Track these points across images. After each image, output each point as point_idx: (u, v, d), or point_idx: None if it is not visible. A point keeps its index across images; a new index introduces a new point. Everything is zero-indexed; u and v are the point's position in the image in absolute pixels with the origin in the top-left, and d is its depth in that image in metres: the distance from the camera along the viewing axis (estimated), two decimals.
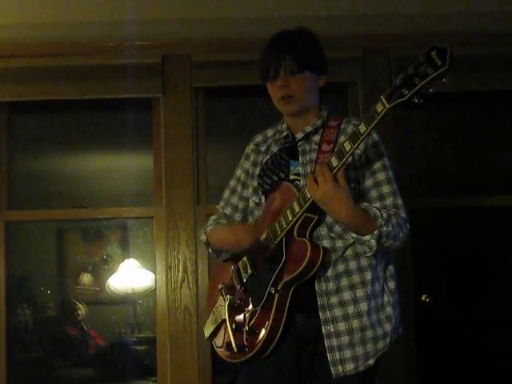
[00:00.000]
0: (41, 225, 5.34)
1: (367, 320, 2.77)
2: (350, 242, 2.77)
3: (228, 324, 2.85)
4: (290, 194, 2.78)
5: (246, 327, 2.78)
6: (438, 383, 4.78)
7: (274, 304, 2.71)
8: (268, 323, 2.71)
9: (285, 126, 3.00)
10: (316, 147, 2.87)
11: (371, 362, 2.77)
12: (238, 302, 2.88)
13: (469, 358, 4.81)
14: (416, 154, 4.88)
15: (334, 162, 2.63)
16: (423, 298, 5.05)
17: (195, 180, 4.61)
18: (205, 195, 4.64)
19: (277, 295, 2.71)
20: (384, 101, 2.49)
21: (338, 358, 2.74)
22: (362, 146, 2.80)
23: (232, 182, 3.18)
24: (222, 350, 2.94)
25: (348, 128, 2.88)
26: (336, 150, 2.67)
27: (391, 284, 2.88)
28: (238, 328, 2.81)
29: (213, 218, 3.18)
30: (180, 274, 4.52)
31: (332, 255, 2.76)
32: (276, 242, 2.78)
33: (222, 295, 2.95)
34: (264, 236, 2.85)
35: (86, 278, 5.69)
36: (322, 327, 2.75)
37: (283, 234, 2.75)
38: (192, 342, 4.46)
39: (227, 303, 2.88)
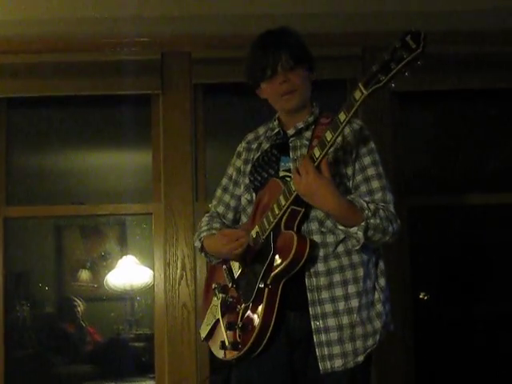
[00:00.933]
0: (39, 221, 5.35)
1: (357, 317, 2.77)
2: (341, 238, 2.77)
3: (221, 322, 2.87)
4: (277, 190, 2.78)
5: (239, 324, 2.78)
6: (436, 381, 4.78)
7: (264, 299, 2.72)
8: (259, 319, 2.72)
9: (276, 123, 3.00)
10: (307, 143, 2.87)
11: (360, 358, 2.77)
12: (231, 300, 2.90)
13: (467, 357, 4.81)
14: (414, 152, 4.87)
15: (317, 152, 2.64)
16: (421, 296, 5.04)
17: (194, 177, 4.61)
18: (203, 192, 4.64)
19: (266, 290, 2.72)
20: (362, 87, 2.50)
21: (326, 353, 2.74)
22: (352, 142, 2.83)
23: (224, 181, 3.18)
24: (216, 349, 2.94)
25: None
26: (317, 141, 2.68)
27: (382, 281, 2.88)
28: (230, 326, 2.82)
29: (205, 219, 3.18)
30: (178, 270, 4.52)
31: (323, 250, 2.76)
32: (264, 237, 2.79)
33: (215, 295, 2.96)
34: (254, 232, 2.86)
35: (84, 275, 5.70)
36: (312, 322, 2.74)
37: (271, 228, 2.76)
38: (190, 338, 4.46)
39: (220, 302, 2.90)
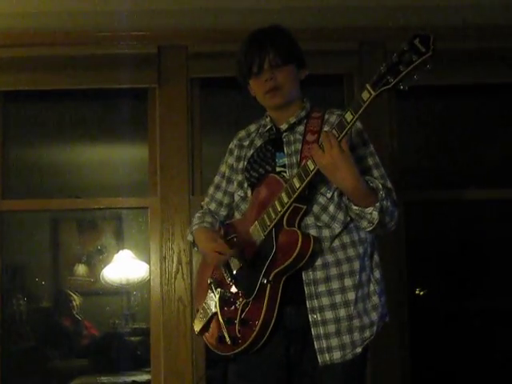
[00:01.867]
0: (35, 215, 5.35)
1: (354, 309, 2.80)
2: (336, 232, 2.80)
3: (220, 317, 2.88)
4: (278, 186, 2.81)
5: (238, 319, 2.80)
6: (432, 377, 4.79)
7: (267, 295, 2.74)
8: (261, 314, 2.74)
9: (268, 119, 3.03)
10: (300, 137, 2.90)
11: (358, 350, 2.80)
12: (229, 295, 2.91)
13: (463, 352, 4.82)
14: (411, 147, 4.87)
15: (336, 134, 2.64)
16: (417, 292, 5.05)
17: (190, 171, 4.60)
18: (200, 186, 4.63)
19: (269, 286, 2.74)
20: (369, 88, 2.53)
21: (324, 346, 2.77)
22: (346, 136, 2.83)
23: (216, 179, 3.21)
24: (214, 343, 2.96)
25: (331, 118, 2.91)
26: (336, 123, 2.67)
27: (377, 273, 2.91)
28: (229, 321, 2.84)
29: (197, 215, 3.20)
30: (174, 264, 4.52)
31: (319, 245, 2.78)
32: (266, 233, 2.80)
33: (211, 289, 2.97)
34: (253, 228, 2.87)
35: (80, 269, 5.71)
36: (309, 316, 2.78)
37: (273, 224, 2.78)
38: (186, 333, 4.46)
39: (218, 296, 2.91)
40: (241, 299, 2.85)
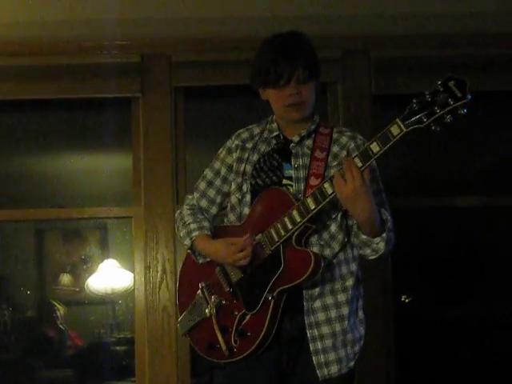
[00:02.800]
0: (19, 224, 5.31)
1: (348, 324, 2.84)
2: (335, 252, 2.83)
3: (214, 324, 2.87)
4: (286, 202, 2.79)
5: (235, 329, 2.81)
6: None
7: (270, 310, 2.75)
8: (263, 329, 2.75)
9: (275, 125, 2.99)
10: (308, 152, 2.90)
11: (352, 364, 2.85)
12: (225, 303, 2.90)
13: (449, 359, 4.82)
14: (393, 155, 4.87)
15: (358, 163, 2.64)
16: (403, 299, 5.05)
17: (174, 180, 4.59)
18: (184, 195, 4.60)
19: (272, 301, 2.75)
20: (400, 124, 2.55)
21: (323, 360, 2.80)
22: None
23: (209, 175, 3.13)
24: (203, 348, 2.95)
25: (341, 139, 2.94)
26: (360, 154, 2.66)
27: (360, 288, 2.95)
28: (225, 329, 2.85)
29: (187, 212, 3.12)
30: (159, 274, 4.51)
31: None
32: (273, 249, 2.79)
33: (203, 294, 2.96)
34: (257, 241, 2.85)
35: (65, 278, 5.67)
36: (307, 331, 2.80)
37: (281, 241, 2.77)
38: (170, 342, 4.45)
39: (214, 303, 2.90)
40: (239, 309, 2.84)
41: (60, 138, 5.01)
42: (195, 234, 3.02)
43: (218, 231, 3.02)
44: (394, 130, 2.55)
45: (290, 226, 2.74)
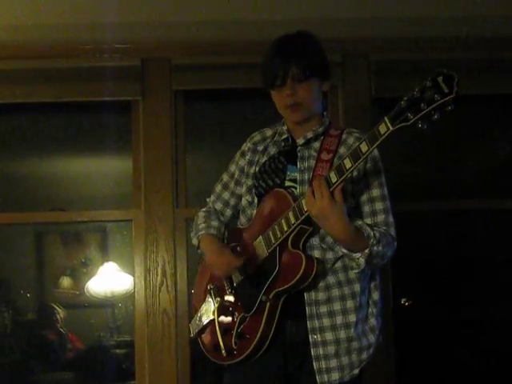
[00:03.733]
0: (20, 228, 5.32)
1: (354, 331, 2.79)
2: (339, 255, 2.78)
3: (217, 326, 2.89)
4: (285, 203, 2.78)
5: (235, 331, 2.82)
6: None
7: (266, 312, 2.75)
8: (259, 330, 2.74)
9: (285, 128, 2.98)
10: (315, 154, 2.87)
11: (356, 371, 2.80)
12: (227, 304, 2.91)
13: (448, 362, 4.82)
14: (393, 158, 4.88)
15: (333, 177, 2.61)
16: (402, 302, 5.05)
17: (174, 183, 4.58)
18: (184, 199, 4.62)
19: (268, 304, 2.75)
20: (388, 123, 2.48)
21: (324, 366, 2.76)
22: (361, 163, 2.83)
23: (225, 177, 3.17)
24: (209, 349, 2.96)
25: (349, 139, 2.89)
26: (335, 165, 2.64)
27: (375, 295, 2.90)
28: (226, 331, 2.86)
29: (202, 214, 3.15)
30: (159, 277, 4.51)
31: (323, 266, 2.77)
32: (270, 251, 2.79)
33: (210, 296, 2.97)
34: (257, 243, 2.86)
35: (65, 282, 5.69)
36: (309, 336, 2.77)
37: (277, 243, 2.76)
38: (170, 345, 4.45)
39: (217, 305, 2.92)
40: (240, 311, 2.85)
41: (60, 141, 5.02)
42: (201, 232, 3.05)
43: (231, 233, 3.07)
44: (382, 128, 2.49)
45: (285, 228, 2.73)
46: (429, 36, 4.59)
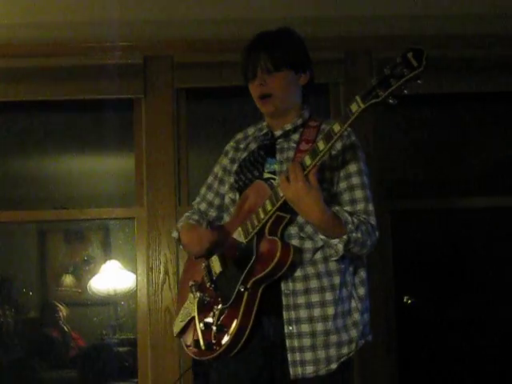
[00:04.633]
0: (22, 226, 5.33)
1: (332, 324, 2.75)
2: (319, 245, 2.76)
3: (197, 322, 2.84)
4: (263, 193, 2.77)
5: (215, 325, 2.77)
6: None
7: (243, 302, 2.71)
8: (237, 321, 2.70)
9: (265, 123, 3.00)
10: (294, 145, 2.86)
11: (333, 366, 2.75)
12: (208, 299, 2.87)
13: (451, 361, 4.82)
14: (397, 155, 4.88)
15: (307, 160, 2.60)
16: (405, 300, 5.05)
17: (176, 181, 4.59)
18: (186, 196, 4.62)
19: (246, 293, 2.71)
20: (359, 100, 2.48)
21: (298, 359, 2.73)
22: (339, 147, 2.82)
23: (209, 179, 3.17)
24: (190, 347, 2.91)
25: (327, 128, 2.80)
26: (310, 148, 2.65)
27: (361, 290, 2.87)
28: (206, 326, 2.80)
29: (186, 214, 3.16)
30: (161, 275, 4.51)
31: (300, 256, 2.75)
32: (247, 240, 2.77)
33: (192, 293, 2.93)
34: (236, 234, 2.84)
35: (67, 280, 5.69)
36: (285, 327, 2.74)
37: (254, 231, 2.74)
38: (172, 343, 4.44)
39: (197, 301, 2.88)
40: (219, 305, 2.80)
41: (62, 139, 5.03)
42: (180, 224, 3.07)
43: (215, 230, 3.00)
44: (353, 107, 2.49)
45: (262, 216, 2.71)
46: (430, 34, 4.59)
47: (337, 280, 2.77)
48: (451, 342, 4.84)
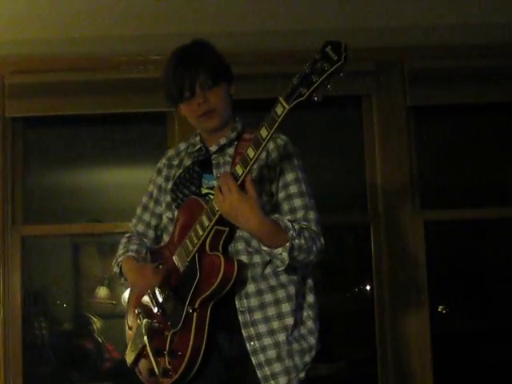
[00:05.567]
0: (57, 239, 5.35)
1: (292, 334, 2.72)
2: (268, 258, 2.71)
3: (148, 349, 2.75)
4: (199, 209, 2.71)
5: (168, 350, 2.70)
6: None
7: (194, 323, 2.63)
8: (189, 343, 2.63)
9: (198, 138, 2.94)
10: (230, 160, 2.81)
11: (302, 375, 2.73)
12: (157, 325, 2.79)
13: (485, 370, 4.79)
14: (430, 166, 4.86)
15: (239, 169, 2.53)
16: (440, 310, 5.03)
17: None
18: None
19: (195, 314, 2.64)
20: (283, 102, 2.39)
21: (268, 373, 2.68)
22: (275, 158, 2.77)
23: (144, 199, 3.11)
24: (146, 376, 2.86)
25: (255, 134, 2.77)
26: (240, 157, 2.57)
27: (310, 298, 2.84)
28: (159, 352, 2.73)
29: (123, 241, 3.09)
30: None
31: (250, 271, 2.71)
32: (189, 259, 2.71)
33: (139, 320, 2.84)
34: (177, 254, 2.79)
35: (102, 292, 5.71)
36: (247, 344, 2.69)
37: (195, 250, 2.68)
38: None
39: (145, 328, 2.79)
40: (169, 329, 2.73)
41: (96, 152, 5.05)
42: (120, 259, 3.00)
43: (154, 253, 2.96)
44: (278, 109, 2.39)
45: (200, 233, 2.65)
46: (463, 43, 4.58)
47: (292, 290, 2.74)
48: (486, 351, 4.81)
